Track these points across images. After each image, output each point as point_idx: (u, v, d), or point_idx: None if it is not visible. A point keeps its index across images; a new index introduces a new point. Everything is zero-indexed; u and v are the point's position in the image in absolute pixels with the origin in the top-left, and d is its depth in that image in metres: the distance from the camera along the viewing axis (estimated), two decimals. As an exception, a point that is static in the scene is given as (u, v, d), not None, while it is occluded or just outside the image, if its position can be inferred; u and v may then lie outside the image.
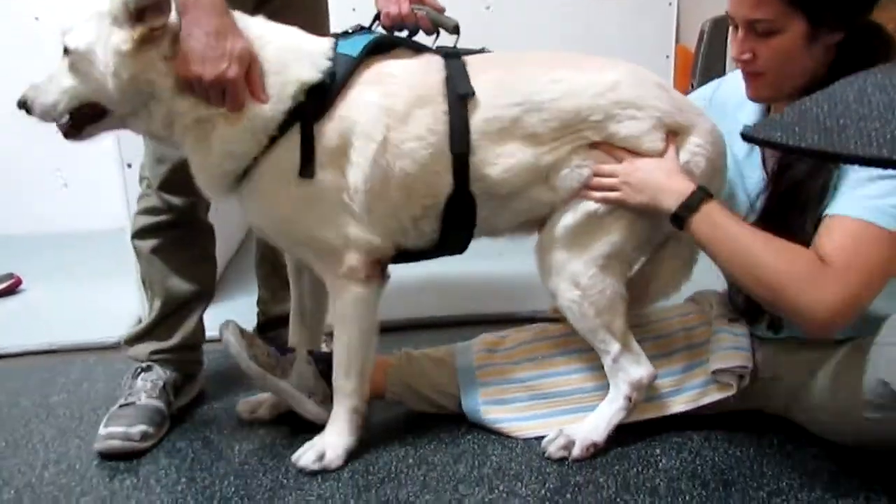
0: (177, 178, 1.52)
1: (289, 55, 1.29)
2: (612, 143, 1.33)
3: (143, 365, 1.60)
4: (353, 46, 1.32)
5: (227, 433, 1.54)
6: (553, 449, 1.39)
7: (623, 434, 1.43)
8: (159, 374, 1.58)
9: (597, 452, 1.40)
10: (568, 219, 1.37)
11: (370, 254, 1.36)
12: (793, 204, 1.25)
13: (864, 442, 1.30)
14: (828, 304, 1.15)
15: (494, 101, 1.32)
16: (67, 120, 1.33)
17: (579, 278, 1.37)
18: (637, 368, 1.41)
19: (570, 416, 1.47)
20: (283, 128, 1.28)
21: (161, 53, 1.24)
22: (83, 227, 3.25)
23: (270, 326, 1.86)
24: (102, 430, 1.47)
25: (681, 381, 1.47)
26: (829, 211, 1.20)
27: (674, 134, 1.34)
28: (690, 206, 1.26)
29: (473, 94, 1.31)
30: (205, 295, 1.68)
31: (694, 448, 1.42)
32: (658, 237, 1.42)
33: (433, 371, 1.55)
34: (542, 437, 1.43)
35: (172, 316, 1.62)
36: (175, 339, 1.62)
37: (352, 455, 1.41)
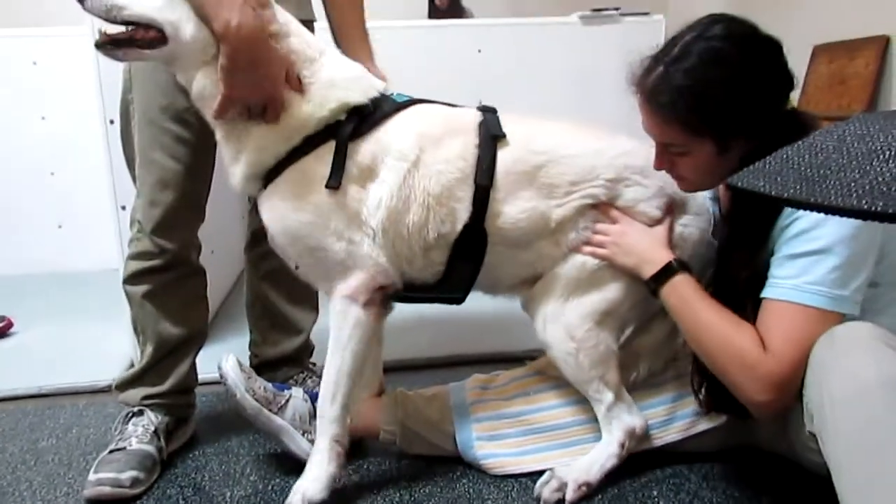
0: (170, 222, 1.53)
1: (339, 78, 1.36)
2: (614, 204, 1.41)
3: (135, 410, 1.58)
4: (402, 97, 1.44)
5: (218, 479, 1.52)
6: (547, 493, 1.38)
7: (620, 474, 1.42)
8: (151, 418, 1.57)
9: (593, 494, 1.38)
10: (566, 271, 1.42)
11: (375, 277, 1.37)
12: (742, 243, 1.28)
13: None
14: (762, 386, 1.18)
15: (522, 146, 1.41)
16: (114, 33, 1.29)
17: (574, 331, 1.40)
18: (631, 417, 1.43)
19: (564, 449, 1.46)
20: (317, 138, 1.34)
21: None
22: (77, 268, 3.25)
23: (264, 368, 1.84)
24: (92, 476, 1.45)
25: (671, 410, 1.47)
26: (762, 293, 1.22)
27: (671, 205, 1.43)
28: (662, 277, 1.33)
29: (504, 136, 1.40)
30: (197, 338, 1.67)
31: (692, 489, 1.41)
32: (653, 304, 1.42)
33: (427, 408, 1.55)
34: (535, 475, 1.43)
35: (165, 361, 1.61)
36: (167, 384, 1.61)
37: (346, 499, 1.38)
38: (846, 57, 3.37)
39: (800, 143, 0.60)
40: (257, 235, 1.79)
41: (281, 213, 1.37)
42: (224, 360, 1.49)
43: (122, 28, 1.30)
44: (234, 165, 1.38)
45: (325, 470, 1.37)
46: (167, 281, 1.58)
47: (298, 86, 1.33)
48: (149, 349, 1.60)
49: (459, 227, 1.38)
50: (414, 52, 3.27)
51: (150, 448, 1.52)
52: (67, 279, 3.19)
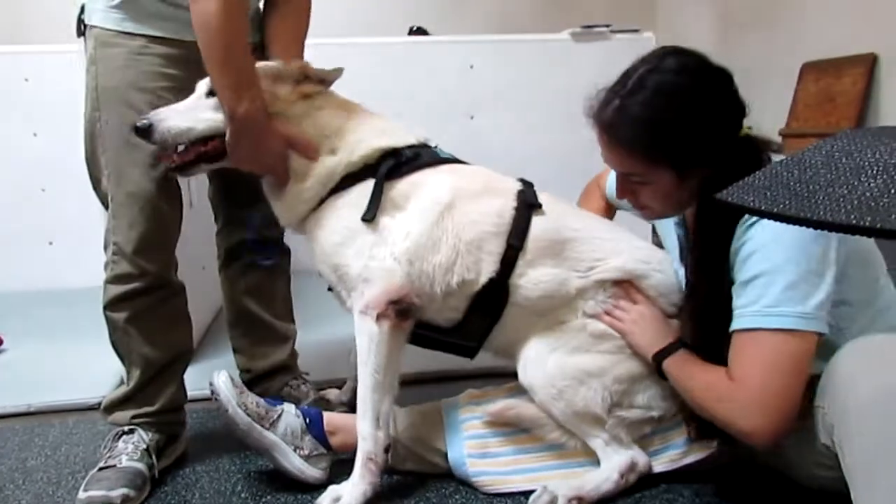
0: (150, 243, 1.52)
1: (367, 131, 1.50)
2: (636, 285, 1.47)
3: (126, 428, 1.57)
4: (444, 153, 1.56)
5: (209, 497, 1.50)
6: (539, 508, 1.37)
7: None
8: (142, 436, 1.55)
9: (585, 511, 1.37)
10: (564, 327, 1.46)
11: (388, 290, 1.41)
12: (710, 263, 1.30)
13: (823, 489, 1.30)
14: (740, 413, 1.20)
15: (556, 219, 1.49)
16: (182, 151, 1.46)
17: (555, 381, 1.42)
18: (632, 451, 1.43)
19: (557, 470, 1.45)
20: (356, 177, 1.47)
21: (297, 108, 1.49)
22: (67, 285, 3.23)
23: (258, 381, 1.84)
24: (82, 495, 1.43)
25: (664, 439, 1.47)
26: (731, 327, 1.24)
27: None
28: (666, 353, 1.36)
29: (541, 206, 1.49)
30: (184, 357, 1.67)
31: (684, 505, 1.41)
32: (638, 385, 1.44)
33: (421, 424, 1.55)
34: (528, 493, 1.41)
35: (153, 383, 1.59)
36: (158, 405, 1.59)
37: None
38: (834, 75, 3.41)
39: (788, 158, 0.61)
40: (232, 253, 1.82)
41: (318, 237, 1.50)
42: (216, 375, 1.50)
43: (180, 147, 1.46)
44: (281, 213, 1.56)
45: (359, 488, 1.39)
46: (150, 304, 1.56)
47: (309, 154, 1.48)
48: (135, 373, 1.58)
49: (484, 279, 1.44)
50: (406, 68, 3.30)
51: (141, 465, 1.51)
52: (57, 296, 3.17)
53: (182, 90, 1.49)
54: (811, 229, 1.23)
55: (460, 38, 3.60)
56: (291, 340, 1.89)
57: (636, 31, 3.44)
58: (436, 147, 1.56)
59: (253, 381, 1.84)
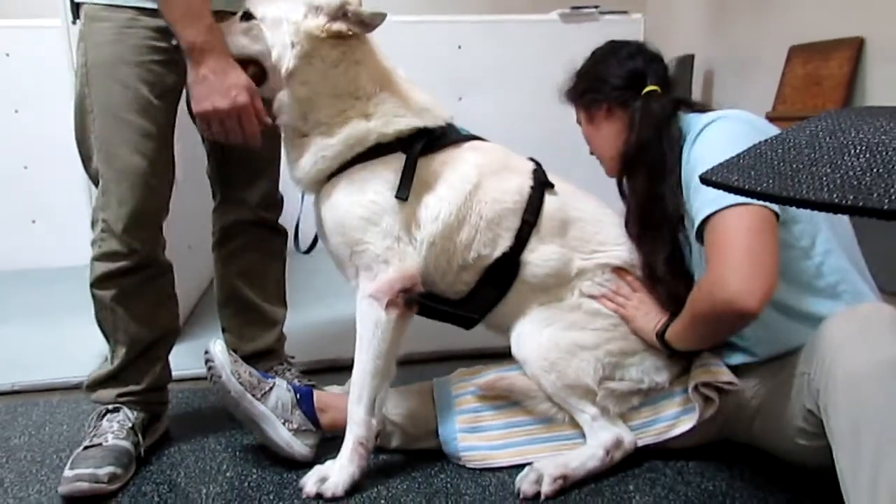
0: (139, 221, 1.50)
1: (409, 107, 1.47)
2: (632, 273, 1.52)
3: (110, 407, 1.56)
4: (465, 131, 1.57)
5: (194, 476, 1.50)
6: (525, 485, 1.38)
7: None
8: (127, 415, 1.55)
9: (570, 488, 1.39)
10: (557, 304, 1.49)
11: (403, 278, 1.41)
12: (652, 221, 1.46)
13: (804, 463, 1.35)
14: (738, 283, 1.22)
15: (565, 200, 1.53)
16: None
17: (548, 353, 1.44)
18: (618, 429, 1.45)
19: (545, 444, 1.47)
20: (387, 148, 1.44)
21: (332, 52, 1.42)
22: (51, 264, 3.20)
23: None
24: (69, 473, 1.43)
25: (654, 412, 1.48)
26: (696, 224, 1.31)
27: None
28: (665, 328, 1.44)
29: (553, 186, 1.53)
30: (170, 337, 1.66)
31: (667, 483, 1.42)
32: (632, 367, 1.47)
33: (411, 400, 1.56)
34: (517, 468, 1.44)
35: (138, 361, 1.59)
36: (143, 383, 1.59)
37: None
38: (821, 58, 3.41)
39: (773, 138, 0.61)
40: (227, 232, 1.79)
41: (338, 205, 1.44)
42: (212, 343, 1.51)
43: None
44: (296, 168, 1.49)
45: (346, 470, 1.39)
46: (137, 282, 1.54)
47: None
48: (121, 351, 1.57)
49: (498, 253, 1.47)
50: (393, 48, 3.26)
51: (127, 444, 1.50)
52: (41, 275, 3.14)
53: (173, 62, 1.46)
54: (740, 133, 1.26)
55: (448, 17, 3.57)
56: (280, 325, 1.87)
57: (625, 12, 3.43)
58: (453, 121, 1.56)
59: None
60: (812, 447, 1.25)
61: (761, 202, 1.21)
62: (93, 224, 1.55)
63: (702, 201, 1.29)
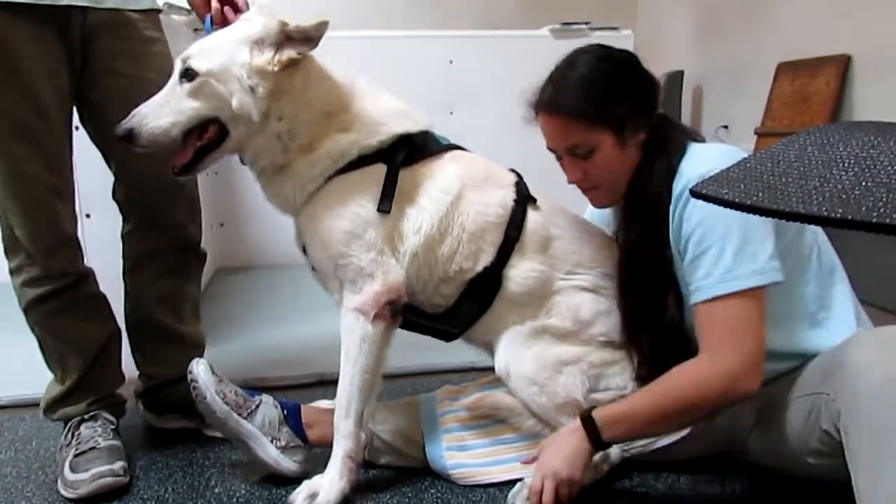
0: (56, 242, 1.50)
1: (387, 113, 1.44)
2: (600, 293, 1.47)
3: (86, 416, 1.57)
4: (444, 139, 1.52)
5: (182, 492, 1.48)
6: (519, 502, 1.37)
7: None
8: (106, 418, 1.57)
9: (560, 504, 1.38)
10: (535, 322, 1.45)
11: (389, 290, 1.39)
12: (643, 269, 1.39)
13: (812, 478, 1.33)
14: (735, 377, 1.23)
15: (547, 215, 1.50)
16: (179, 151, 1.37)
17: (536, 377, 1.42)
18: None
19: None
20: (368, 160, 1.40)
21: (293, 80, 1.36)
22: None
23: (159, 389, 1.73)
24: (82, 475, 1.43)
25: None
26: (691, 301, 1.29)
27: None
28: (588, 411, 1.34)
29: (536, 200, 1.50)
30: (116, 338, 1.66)
31: (657, 498, 1.42)
32: (615, 376, 1.45)
33: (399, 418, 1.54)
34: (507, 483, 1.42)
35: (96, 369, 1.59)
36: (109, 386, 1.62)
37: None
38: (809, 75, 3.45)
39: (762, 151, 0.61)
40: (140, 261, 1.68)
41: (321, 219, 1.41)
42: (195, 363, 1.48)
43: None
44: (279, 198, 1.45)
45: (337, 485, 1.38)
46: (69, 300, 1.55)
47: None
48: (75, 363, 1.57)
49: (480, 268, 1.44)
50: (386, 62, 3.28)
51: (118, 443, 1.52)
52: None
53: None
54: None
55: (440, 32, 3.60)
56: (201, 348, 1.76)
57: (615, 28, 3.46)
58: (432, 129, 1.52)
59: (156, 388, 1.74)
60: (825, 466, 1.23)
61: (768, 281, 1.22)
62: (7, 251, 1.53)
63: (703, 275, 1.26)
